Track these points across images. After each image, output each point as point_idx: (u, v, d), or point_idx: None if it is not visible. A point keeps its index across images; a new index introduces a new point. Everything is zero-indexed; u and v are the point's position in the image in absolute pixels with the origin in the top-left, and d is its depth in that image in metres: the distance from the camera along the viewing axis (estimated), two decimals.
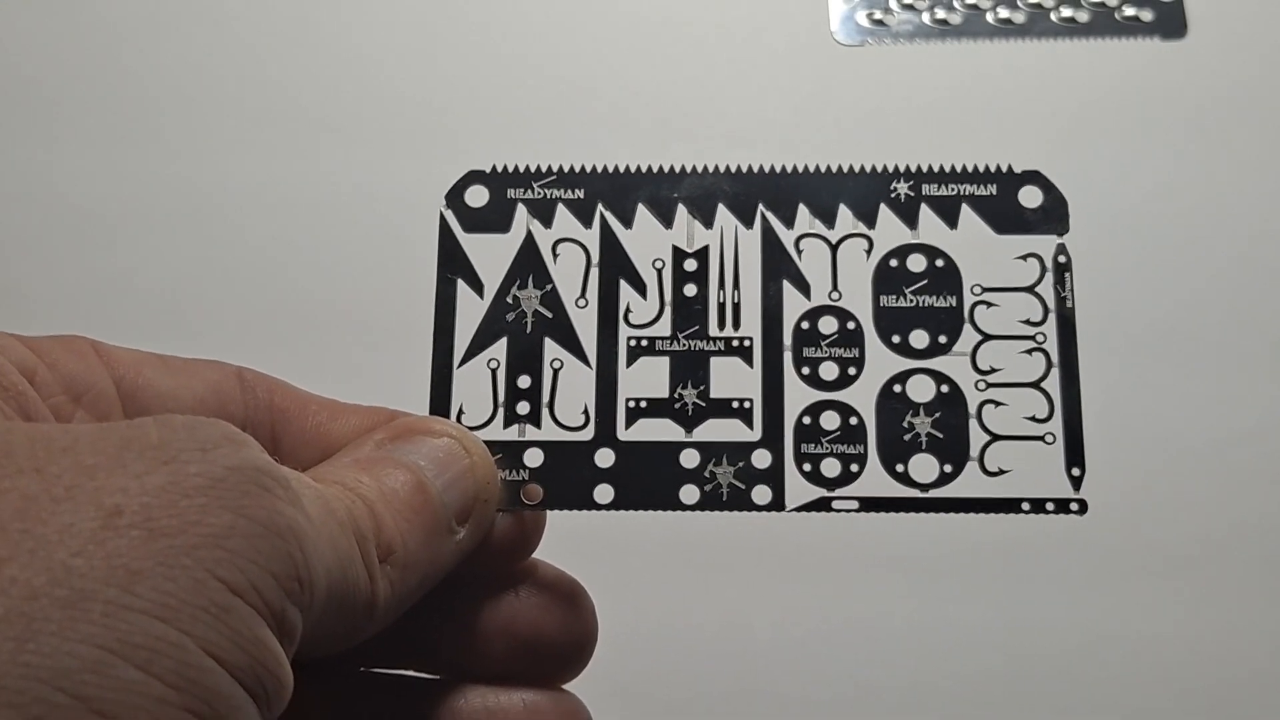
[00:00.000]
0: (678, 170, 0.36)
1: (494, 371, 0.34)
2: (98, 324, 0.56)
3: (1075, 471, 0.33)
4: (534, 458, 0.34)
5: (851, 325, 0.35)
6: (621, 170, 0.36)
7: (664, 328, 0.35)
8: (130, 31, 0.64)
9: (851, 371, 0.34)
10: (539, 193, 0.35)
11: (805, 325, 0.35)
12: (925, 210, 0.35)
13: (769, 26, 0.63)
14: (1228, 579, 0.52)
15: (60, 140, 0.61)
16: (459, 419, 0.34)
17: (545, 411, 0.34)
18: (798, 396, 0.34)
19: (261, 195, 0.59)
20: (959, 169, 0.35)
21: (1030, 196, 0.35)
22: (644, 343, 0.35)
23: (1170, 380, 0.55)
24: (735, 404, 0.34)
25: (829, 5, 0.63)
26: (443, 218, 0.35)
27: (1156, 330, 0.56)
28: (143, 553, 0.23)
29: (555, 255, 0.35)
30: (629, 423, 0.34)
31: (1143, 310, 0.56)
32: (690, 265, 0.35)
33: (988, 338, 0.34)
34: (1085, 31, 0.61)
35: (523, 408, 0.34)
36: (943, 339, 0.34)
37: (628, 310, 0.35)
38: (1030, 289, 0.35)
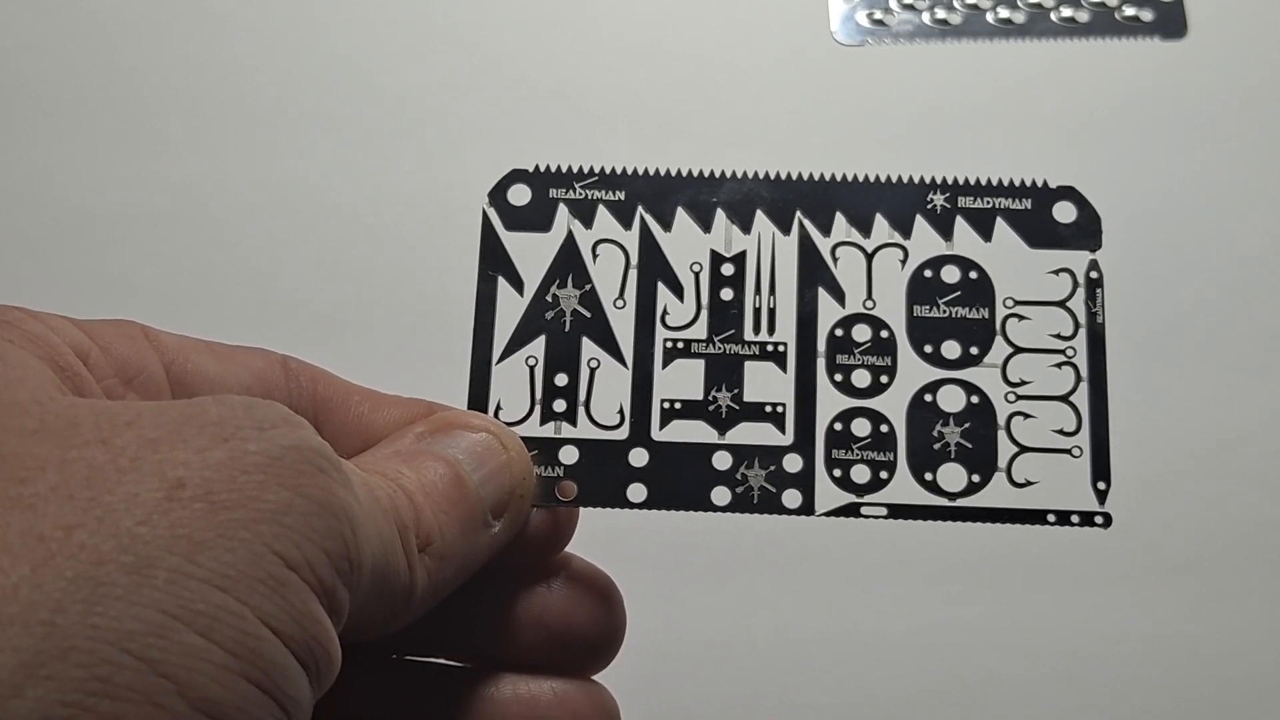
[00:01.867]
0: (717, 175, 0.36)
1: (532, 369, 0.35)
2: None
3: (1101, 485, 0.34)
4: (569, 455, 0.34)
5: (885, 334, 0.35)
6: (662, 173, 0.36)
7: (700, 330, 0.35)
8: (130, 32, 0.64)
9: (883, 380, 0.35)
10: (580, 193, 0.36)
11: (839, 332, 0.35)
12: (960, 222, 0.36)
13: (768, 27, 0.63)
14: (1251, 591, 0.53)
15: (60, 140, 0.61)
16: (497, 415, 0.35)
17: (581, 410, 0.35)
18: (830, 403, 0.35)
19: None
20: (995, 183, 0.36)
21: (1064, 212, 0.36)
22: (680, 345, 0.35)
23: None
24: (768, 408, 0.35)
25: (829, 5, 0.63)
26: (485, 215, 0.36)
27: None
28: (204, 524, 0.23)
29: (595, 256, 0.36)
30: (663, 423, 0.35)
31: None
32: (727, 269, 0.36)
33: (1018, 350, 0.35)
34: (1085, 31, 0.61)
35: (559, 405, 0.35)
36: (974, 350, 0.35)
37: (665, 312, 0.35)
38: (1062, 303, 0.35)
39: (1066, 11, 0.62)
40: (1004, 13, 0.61)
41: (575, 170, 0.36)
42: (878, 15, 0.62)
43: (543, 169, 0.36)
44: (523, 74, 0.62)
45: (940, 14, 0.61)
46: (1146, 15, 0.62)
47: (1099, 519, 0.34)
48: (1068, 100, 0.61)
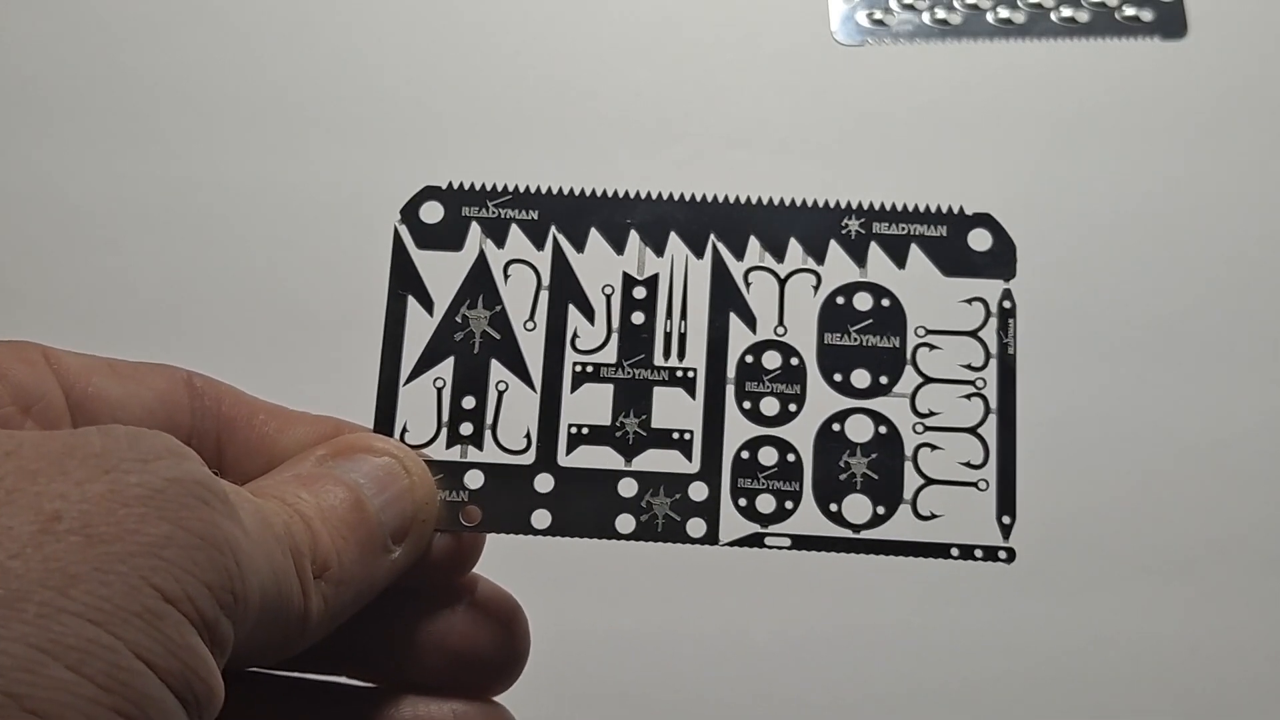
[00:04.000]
0: (632, 196, 0.36)
1: (439, 391, 0.35)
2: (98, 325, 0.57)
3: (1006, 519, 0.34)
4: (474, 479, 0.34)
5: (795, 361, 0.35)
6: (576, 193, 0.36)
7: (610, 355, 0.35)
8: (129, 32, 0.63)
9: (792, 408, 0.35)
10: (494, 212, 0.36)
11: (749, 359, 0.35)
12: (875, 249, 0.35)
13: (769, 27, 0.63)
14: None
15: (60, 140, 0.61)
16: (402, 437, 0.34)
17: (488, 433, 0.35)
18: (738, 430, 0.35)
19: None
20: (910, 209, 0.35)
21: (979, 240, 0.35)
22: (589, 369, 0.35)
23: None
24: (676, 435, 0.35)
25: (829, 5, 0.62)
26: (396, 233, 0.36)
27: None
28: (79, 557, 0.23)
29: (506, 276, 0.35)
30: (570, 449, 0.34)
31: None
32: (639, 293, 0.35)
33: (928, 380, 0.35)
34: (1085, 31, 0.61)
35: (466, 428, 0.35)
36: (884, 379, 0.35)
37: (575, 335, 0.35)
38: (973, 333, 0.35)
39: (1066, 11, 0.61)
40: (1004, 13, 0.61)
41: (489, 188, 0.36)
42: (878, 15, 0.62)
43: (456, 186, 0.36)
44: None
45: (940, 14, 0.61)
46: (1146, 15, 0.61)
47: (1002, 554, 0.34)
48: (1067, 101, 0.61)
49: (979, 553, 0.34)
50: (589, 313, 0.35)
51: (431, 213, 0.36)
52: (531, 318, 0.35)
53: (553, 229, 0.36)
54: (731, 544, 0.34)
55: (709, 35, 0.63)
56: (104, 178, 0.60)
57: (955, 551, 0.34)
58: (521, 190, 0.36)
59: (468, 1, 0.64)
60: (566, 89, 0.62)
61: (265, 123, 0.61)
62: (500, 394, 0.35)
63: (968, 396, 0.35)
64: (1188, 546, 0.54)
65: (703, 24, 0.63)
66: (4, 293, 0.58)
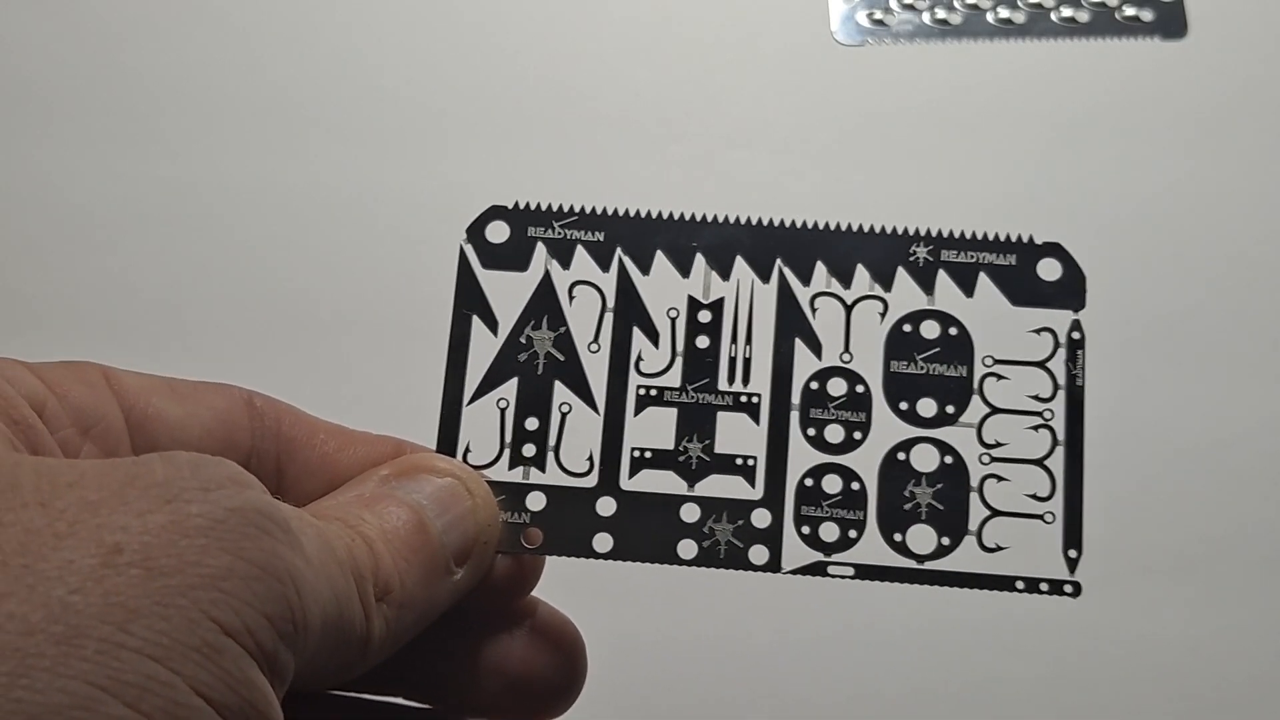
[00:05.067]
0: (699, 219, 0.35)
1: (503, 411, 0.35)
2: (97, 325, 0.57)
3: (1072, 553, 0.34)
4: (536, 501, 0.34)
5: (860, 389, 0.35)
6: (643, 215, 0.36)
7: (674, 378, 0.35)
8: (129, 32, 0.63)
9: (857, 436, 0.34)
10: (559, 233, 0.35)
11: (814, 385, 0.35)
12: (943, 276, 0.35)
13: (769, 27, 0.63)
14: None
15: (60, 140, 0.61)
16: (465, 458, 0.34)
17: (551, 455, 0.34)
18: (802, 458, 0.34)
19: (277, 205, 0.59)
20: (980, 236, 0.35)
21: (1049, 269, 0.35)
22: (653, 392, 0.35)
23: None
24: (739, 461, 0.34)
25: (829, 5, 0.62)
26: (462, 252, 0.35)
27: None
28: (140, 591, 0.23)
29: (571, 297, 0.35)
30: (633, 472, 0.34)
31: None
32: (704, 317, 0.35)
33: (995, 411, 0.34)
34: (1085, 31, 0.61)
35: (529, 450, 0.34)
36: (950, 409, 0.34)
37: (639, 358, 0.35)
38: (1042, 364, 0.35)
39: (1066, 11, 0.61)
40: (1004, 13, 0.61)
41: (555, 209, 0.36)
42: (878, 15, 0.62)
43: (522, 206, 0.36)
44: (516, 97, 0.62)
45: (940, 14, 0.61)
46: (1146, 15, 0.61)
47: (1068, 588, 0.33)
48: (1068, 101, 0.61)
49: (1044, 586, 0.33)
50: (654, 336, 0.35)
51: (497, 232, 0.36)
52: (596, 340, 0.35)
53: (618, 251, 0.35)
54: (794, 572, 0.34)
55: (709, 35, 0.63)
56: (105, 178, 0.61)
57: (1020, 585, 0.33)
58: (588, 211, 0.36)
59: (469, 4, 0.64)
60: (565, 89, 0.62)
61: (269, 126, 0.61)
62: (563, 416, 0.35)
63: (1035, 428, 0.34)
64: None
65: (703, 24, 0.64)
66: (4, 293, 0.59)
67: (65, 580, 0.23)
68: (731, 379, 0.35)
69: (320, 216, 0.59)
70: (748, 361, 0.35)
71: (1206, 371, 0.56)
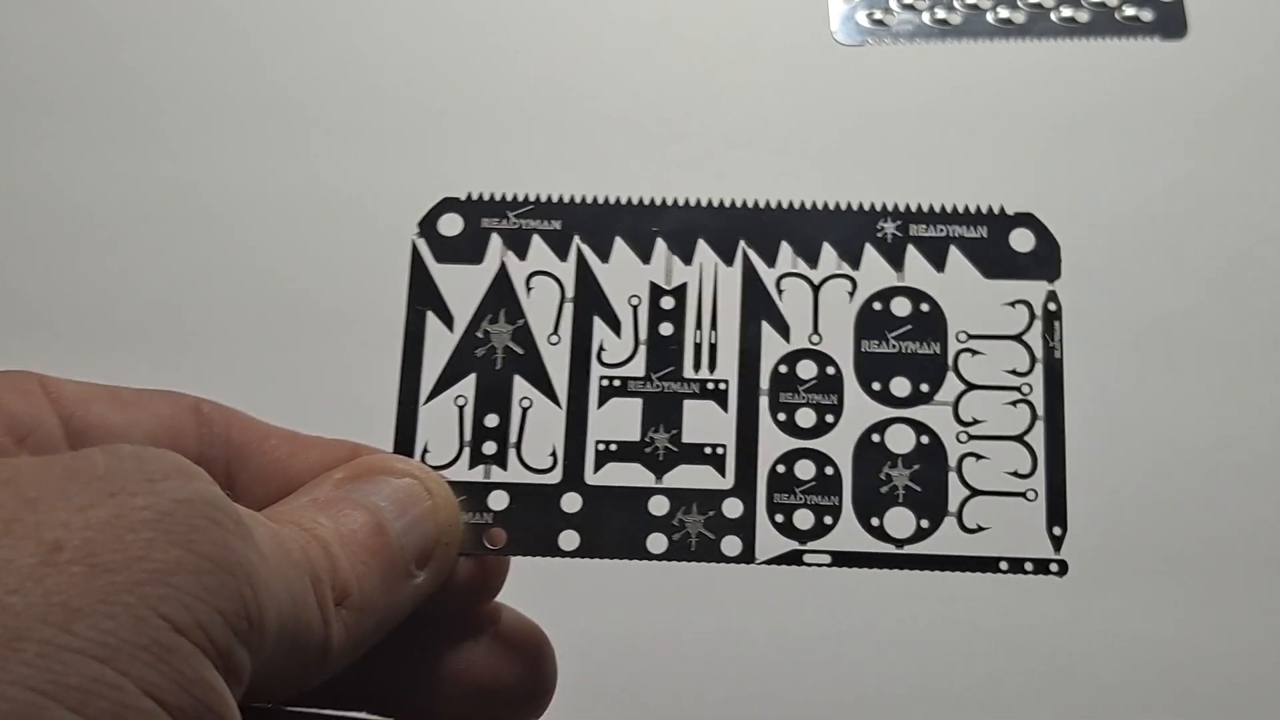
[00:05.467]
0: (659, 203, 0.34)
1: (461, 409, 0.33)
2: (97, 325, 0.56)
3: (1056, 531, 0.32)
4: (499, 500, 0.33)
5: (831, 370, 0.34)
6: (600, 201, 0.34)
7: (638, 368, 0.34)
8: (129, 32, 0.63)
9: (829, 419, 0.33)
10: (514, 223, 0.34)
11: (783, 369, 0.34)
12: (912, 251, 0.34)
13: (769, 26, 0.62)
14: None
15: (60, 140, 0.61)
16: (423, 458, 0.33)
17: (512, 452, 0.33)
18: (773, 444, 0.33)
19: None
20: (948, 209, 0.34)
21: (1022, 240, 0.34)
22: (616, 383, 0.34)
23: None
24: (708, 450, 0.33)
25: (829, 5, 0.62)
26: (414, 246, 0.34)
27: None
28: (83, 589, 0.22)
29: (529, 289, 0.34)
30: (598, 466, 0.33)
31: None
32: (667, 303, 0.34)
33: (971, 387, 0.33)
34: (1085, 31, 0.61)
35: (489, 448, 0.33)
36: (925, 387, 0.33)
37: (601, 348, 0.34)
38: (1018, 337, 0.33)
39: (1066, 11, 0.61)
40: (1004, 13, 0.61)
41: (509, 198, 0.35)
42: (878, 15, 0.61)
43: (475, 197, 0.35)
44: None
45: (940, 14, 0.61)
46: (1146, 15, 0.61)
47: (1054, 566, 0.32)
48: (1068, 101, 0.60)
49: (1029, 566, 0.32)
50: (615, 325, 0.34)
51: (450, 225, 0.35)
52: (555, 331, 0.34)
53: (576, 239, 0.34)
54: (769, 562, 0.32)
55: (709, 35, 0.63)
56: (105, 178, 0.60)
57: (1004, 565, 0.32)
58: (543, 200, 0.34)
59: (468, 3, 0.64)
60: (565, 89, 0.62)
61: (270, 127, 0.60)
62: (524, 411, 0.34)
63: (1013, 403, 0.33)
64: (1250, 550, 0.52)
65: (703, 24, 0.63)
66: (4, 293, 0.58)
67: (3, 580, 0.21)
68: (697, 366, 0.34)
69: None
70: (714, 347, 0.34)
71: (1204, 367, 0.55)
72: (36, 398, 0.29)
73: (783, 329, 0.34)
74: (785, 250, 0.34)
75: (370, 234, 0.56)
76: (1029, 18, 0.61)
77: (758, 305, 0.34)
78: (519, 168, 0.58)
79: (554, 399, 0.34)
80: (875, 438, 0.33)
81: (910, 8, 0.61)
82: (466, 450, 0.33)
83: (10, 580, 0.22)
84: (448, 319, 0.34)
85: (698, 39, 0.62)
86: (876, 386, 0.33)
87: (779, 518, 0.33)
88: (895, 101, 0.61)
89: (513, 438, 0.33)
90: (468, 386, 0.34)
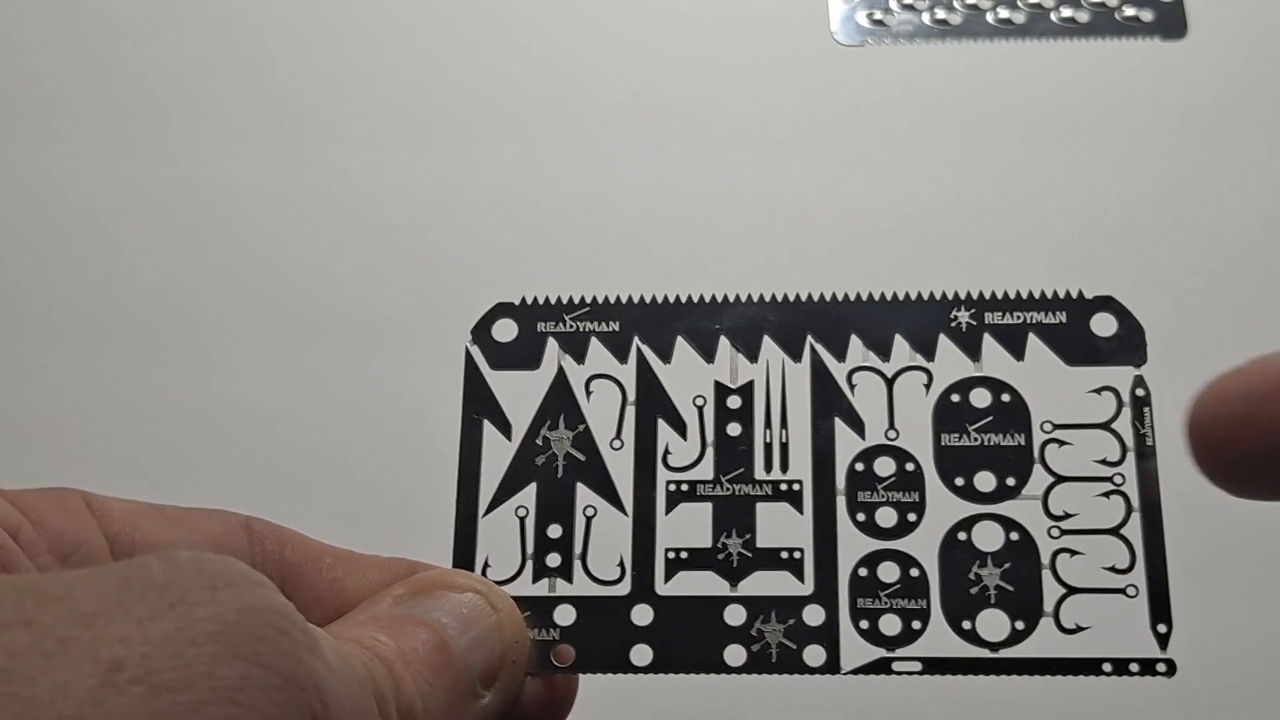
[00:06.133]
0: (719, 299, 0.33)
1: (522, 520, 0.32)
2: (97, 325, 0.56)
3: (1161, 628, 0.30)
4: (565, 615, 0.31)
5: (910, 467, 0.32)
6: (659, 300, 0.33)
7: (706, 471, 0.32)
8: (130, 32, 0.63)
9: (911, 518, 0.32)
10: (571, 326, 0.33)
11: (860, 467, 0.32)
12: (989, 340, 0.32)
13: (769, 26, 0.62)
14: None
15: (61, 141, 0.61)
16: (484, 572, 0.31)
17: (578, 564, 0.32)
18: (853, 546, 0.31)
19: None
20: (1024, 295, 0.33)
21: (1103, 325, 0.32)
22: (684, 487, 0.32)
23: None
24: (784, 554, 0.31)
25: (829, 5, 0.62)
26: (468, 353, 0.33)
27: None
28: (144, 712, 0.20)
29: (589, 393, 0.33)
30: (668, 575, 0.31)
31: None
32: (734, 402, 0.33)
33: (1060, 479, 0.32)
34: (1085, 31, 0.61)
35: (553, 560, 0.32)
36: (1011, 481, 0.32)
37: (666, 452, 0.32)
38: (1106, 425, 0.32)
39: (1066, 11, 0.61)
40: (1004, 13, 0.61)
41: (565, 301, 0.33)
42: (878, 15, 0.61)
43: (529, 301, 0.33)
44: (514, 97, 0.61)
45: (940, 14, 0.61)
46: (1146, 15, 0.61)
47: (1161, 667, 0.30)
48: (1067, 101, 0.60)
49: (1135, 667, 0.30)
50: (680, 427, 0.32)
51: (505, 330, 0.33)
52: (618, 436, 0.32)
53: (636, 340, 0.33)
54: (855, 672, 0.30)
55: (709, 35, 0.63)
56: (106, 178, 0.60)
57: (1108, 667, 0.30)
58: (600, 301, 0.33)
59: (468, 3, 0.64)
60: (566, 88, 0.61)
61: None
62: (589, 520, 0.32)
63: (1106, 494, 0.31)
64: None
65: (703, 24, 0.63)
66: (4, 293, 0.57)
67: (59, 706, 0.20)
68: (769, 466, 0.32)
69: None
70: (785, 446, 0.32)
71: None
72: (81, 514, 0.28)
73: (857, 425, 0.32)
74: (855, 343, 0.33)
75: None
76: (1029, 18, 0.61)
77: (829, 401, 0.32)
78: (517, 178, 0.58)
79: (619, 506, 0.32)
80: (961, 536, 0.31)
81: (910, 8, 0.61)
82: (529, 563, 0.32)
83: (68, 705, 0.20)
84: (505, 427, 0.33)
85: (697, 39, 0.63)
86: (960, 482, 0.32)
87: (864, 624, 0.31)
88: (895, 101, 0.61)
89: (577, 549, 0.32)
90: (528, 496, 0.32)
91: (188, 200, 0.59)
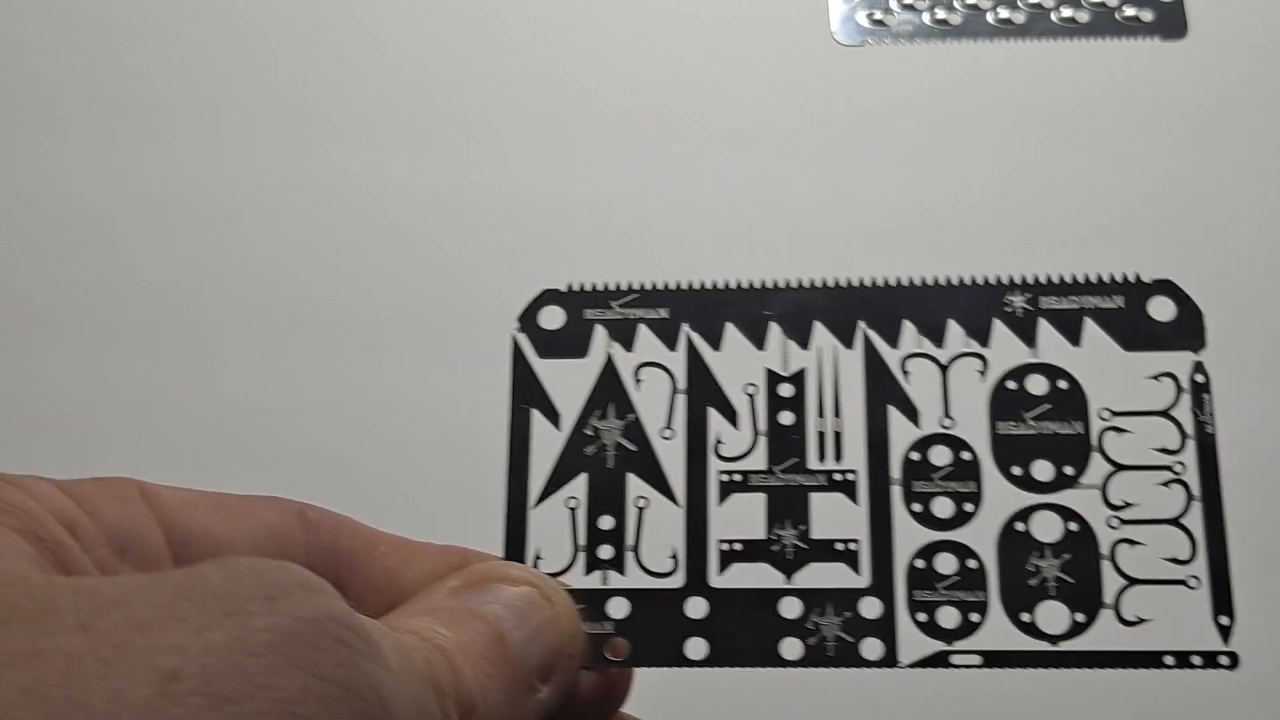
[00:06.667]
0: (769, 285, 0.33)
1: (573, 511, 0.32)
2: (97, 325, 0.55)
3: (1223, 620, 0.30)
4: (619, 608, 0.31)
5: (967, 456, 0.31)
6: (709, 286, 0.33)
7: (759, 460, 0.32)
8: (130, 32, 0.63)
9: (968, 508, 0.31)
10: (619, 313, 0.33)
11: (915, 456, 0.31)
12: (1044, 325, 0.32)
13: (769, 26, 0.62)
14: None
15: (61, 141, 0.60)
16: (536, 564, 0.31)
17: (630, 555, 0.31)
18: (909, 537, 0.31)
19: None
20: (1081, 279, 0.32)
21: (1162, 309, 0.32)
22: (737, 477, 0.32)
23: None
24: (839, 546, 0.31)
25: (829, 5, 0.62)
26: (515, 342, 0.33)
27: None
28: None
29: (638, 381, 0.32)
30: (722, 567, 0.31)
31: None
32: (786, 390, 0.32)
33: (1119, 468, 0.31)
34: (1085, 31, 0.60)
35: (605, 552, 0.31)
36: (1069, 470, 0.31)
37: (718, 441, 0.32)
38: (1165, 413, 0.31)
39: (1066, 11, 0.61)
40: (1004, 13, 0.61)
41: (612, 288, 0.33)
42: (878, 15, 0.61)
43: (575, 288, 0.33)
44: (513, 97, 0.61)
45: (940, 14, 0.61)
46: (1146, 15, 0.61)
47: (1223, 659, 0.30)
48: (1067, 100, 0.59)
49: (1196, 660, 0.30)
50: (732, 416, 0.32)
51: (552, 318, 0.33)
52: (669, 425, 0.32)
53: (685, 327, 0.32)
54: (913, 665, 0.30)
55: (708, 35, 0.62)
56: (105, 178, 0.59)
57: (1169, 660, 0.30)
58: (648, 287, 0.33)
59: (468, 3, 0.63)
60: (566, 88, 0.61)
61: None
62: (640, 511, 0.32)
63: (1166, 484, 0.31)
64: None
65: (703, 24, 0.62)
66: (4, 293, 0.57)
67: (115, 714, 0.20)
68: (822, 456, 0.32)
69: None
70: (838, 435, 0.32)
71: None
72: (137, 506, 0.28)
73: (911, 413, 0.32)
74: (908, 329, 0.32)
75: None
76: (1029, 18, 0.60)
77: (883, 389, 0.32)
78: (525, 177, 0.57)
79: (671, 497, 0.32)
80: (1019, 526, 0.31)
81: (910, 8, 0.61)
82: (581, 555, 0.31)
83: (125, 714, 0.20)
84: (554, 416, 0.32)
85: (698, 39, 0.62)
86: (1017, 471, 0.31)
87: (921, 617, 0.30)
88: (895, 101, 0.60)
89: (630, 540, 0.31)
90: (579, 487, 0.32)
91: (188, 200, 0.59)
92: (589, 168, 0.59)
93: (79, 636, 0.20)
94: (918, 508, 0.31)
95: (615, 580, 0.31)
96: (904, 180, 0.58)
